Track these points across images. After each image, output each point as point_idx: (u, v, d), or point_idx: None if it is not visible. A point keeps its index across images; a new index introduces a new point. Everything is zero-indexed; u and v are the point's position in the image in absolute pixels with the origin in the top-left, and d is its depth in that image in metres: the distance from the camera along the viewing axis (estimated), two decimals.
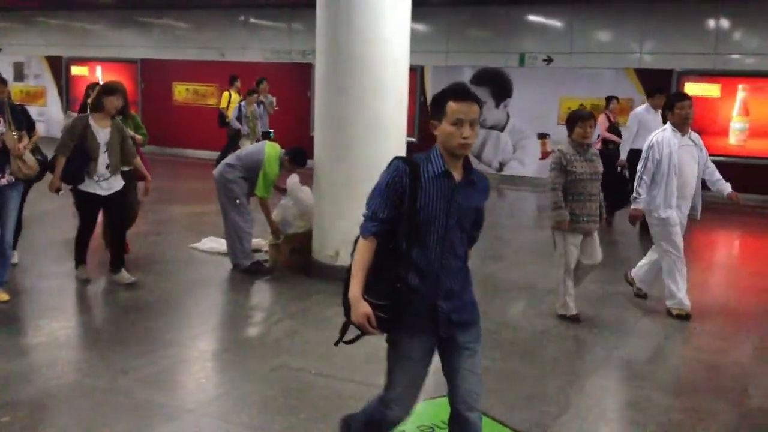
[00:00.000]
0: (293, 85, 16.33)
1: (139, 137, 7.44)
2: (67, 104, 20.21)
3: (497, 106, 15.38)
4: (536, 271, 7.63)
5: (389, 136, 7.03)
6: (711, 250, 9.70)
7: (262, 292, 7.15)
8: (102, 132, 6.46)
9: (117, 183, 6.63)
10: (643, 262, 6.80)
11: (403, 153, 7.23)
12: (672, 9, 13.98)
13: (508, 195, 14.12)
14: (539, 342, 5.69)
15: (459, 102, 2.93)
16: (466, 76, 15.19)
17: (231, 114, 13.30)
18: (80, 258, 6.82)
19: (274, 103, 14.13)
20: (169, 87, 18.53)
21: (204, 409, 4.33)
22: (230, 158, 7.54)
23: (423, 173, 2.97)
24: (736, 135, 13.64)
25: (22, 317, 6.00)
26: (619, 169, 10.12)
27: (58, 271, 7.13)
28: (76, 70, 20.20)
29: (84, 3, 19.01)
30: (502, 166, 15.31)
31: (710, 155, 6.61)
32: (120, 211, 6.81)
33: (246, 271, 7.33)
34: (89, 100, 7.24)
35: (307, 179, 7.59)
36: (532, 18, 15.27)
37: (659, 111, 6.80)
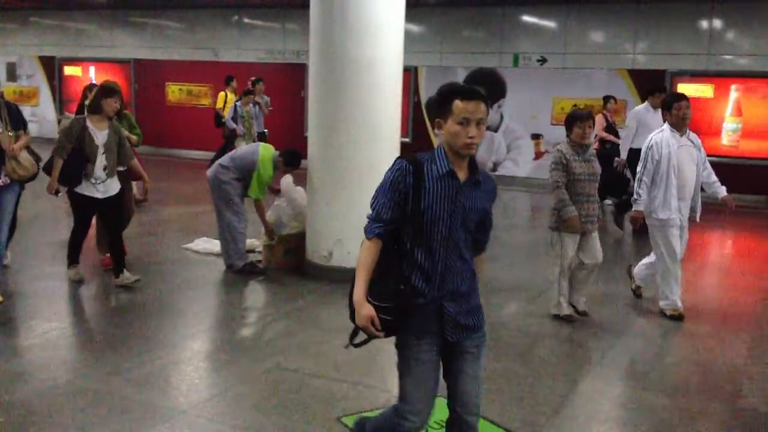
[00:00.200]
0: (287, 86, 16.33)
1: (133, 137, 7.42)
2: (60, 104, 20.17)
3: (491, 106, 15.39)
4: (530, 271, 7.64)
5: (383, 136, 7.04)
6: (704, 251, 9.72)
7: (255, 293, 7.15)
8: (100, 134, 6.42)
9: (114, 186, 6.58)
10: (646, 260, 6.76)
11: (396, 154, 7.27)
12: (665, 10, 14.03)
13: (502, 195, 14.10)
14: (533, 342, 5.70)
15: (466, 101, 2.87)
16: (460, 77, 15.21)
17: (227, 114, 13.28)
18: (73, 258, 6.80)
19: (269, 104, 14.13)
20: (162, 87, 18.50)
21: (197, 409, 4.32)
22: (223, 159, 7.52)
23: (427, 173, 2.92)
24: (729, 135, 13.69)
25: (14, 318, 5.98)
26: (620, 169, 10.08)
27: (51, 272, 7.11)
28: (69, 70, 20.15)
29: (77, 3, 18.97)
30: (496, 166, 15.32)
31: None
32: (117, 214, 6.76)
33: (239, 272, 7.32)
34: (86, 102, 7.18)
35: (302, 180, 7.59)
36: (526, 18, 15.30)
37: (659, 110, 6.78)
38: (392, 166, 2.98)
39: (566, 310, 6.12)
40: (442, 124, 2.93)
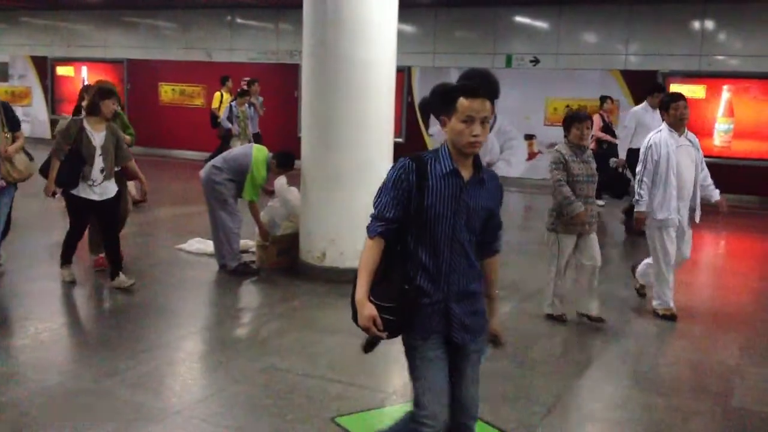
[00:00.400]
0: (280, 86, 16.31)
1: (127, 137, 7.38)
2: (52, 105, 20.10)
3: None
4: (524, 271, 7.64)
5: (376, 137, 7.04)
6: (697, 250, 9.72)
7: (249, 293, 7.14)
8: (97, 136, 6.37)
9: (111, 188, 6.53)
10: (648, 260, 6.66)
11: (390, 155, 7.29)
12: (657, 11, 14.08)
13: None
14: (527, 342, 5.70)
15: (470, 99, 2.82)
16: (453, 77, 15.18)
17: (222, 114, 13.26)
18: (66, 258, 6.76)
19: (262, 105, 14.12)
20: (155, 87, 18.45)
21: (191, 410, 4.32)
22: (216, 160, 7.50)
23: (430, 171, 2.88)
24: (721, 136, 13.74)
25: (6, 319, 5.96)
26: (620, 169, 10.05)
27: (45, 272, 7.08)
28: (61, 70, 20.07)
29: (70, 3, 18.91)
30: (489, 166, 15.32)
31: None
32: (114, 216, 6.71)
33: (233, 272, 7.31)
34: (83, 103, 7.12)
35: (295, 180, 7.58)
36: (519, 19, 15.33)
37: (658, 110, 6.73)
38: (395, 164, 2.94)
39: (560, 310, 6.13)
40: (447, 122, 2.89)
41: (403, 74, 15.20)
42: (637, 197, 6.22)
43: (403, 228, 2.93)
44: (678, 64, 13.99)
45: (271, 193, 7.85)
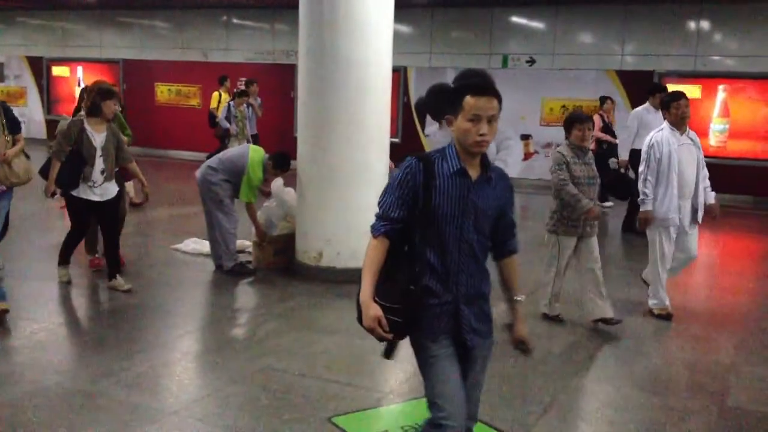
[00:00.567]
0: (276, 86, 16.30)
1: (124, 138, 7.37)
2: (48, 105, 20.07)
3: None
4: (521, 271, 7.64)
5: (372, 137, 7.05)
6: None
7: (245, 294, 7.13)
8: (98, 136, 6.35)
9: (112, 190, 6.51)
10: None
11: (386, 155, 7.29)
12: (653, 11, 14.10)
13: None
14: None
15: (477, 97, 2.76)
16: (448, 77, 15.20)
17: (220, 114, 13.25)
18: (64, 259, 6.74)
19: (261, 106, 14.10)
20: (151, 88, 18.43)
21: (187, 411, 4.32)
22: (212, 161, 7.48)
23: (437, 170, 2.81)
24: (716, 136, 13.77)
25: (3, 319, 5.93)
26: (622, 170, 10.00)
27: (41, 273, 7.07)
28: (56, 70, 20.04)
29: (65, 3, 18.88)
30: None
31: None
32: (114, 217, 6.70)
33: (229, 272, 7.31)
34: (83, 104, 7.06)
35: (291, 181, 7.58)
36: (515, 20, 15.34)
37: (660, 110, 6.67)
38: (402, 163, 2.89)
39: (557, 310, 6.14)
40: (453, 121, 2.84)
41: (399, 74, 15.21)
42: (642, 196, 6.15)
43: (409, 228, 2.87)
44: (674, 65, 14.02)
45: (268, 195, 7.85)
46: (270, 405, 4.40)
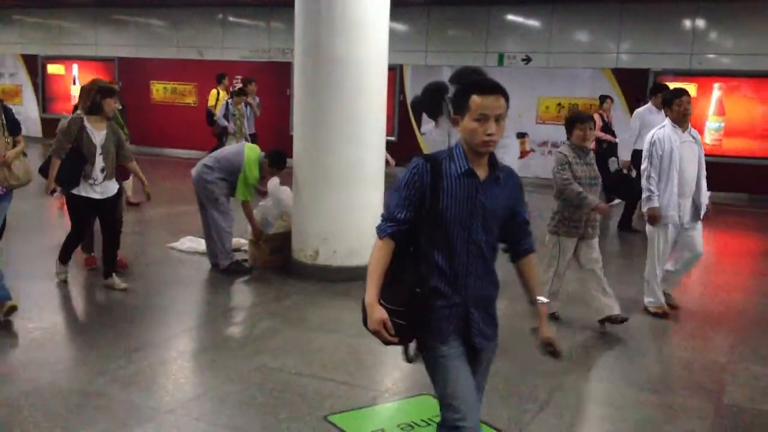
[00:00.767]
0: (272, 84, 16.29)
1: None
2: (43, 103, 20.03)
3: None
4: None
5: (368, 135, 7.05)
6: None
7: (241, 292, 7.13)
8: (98, 134, 6.33)
9: (112, 188, 6.50)
10: (668, 266, 6.52)
11: (382, 153, 7.29)
12: (649, 10, 14.13)
13: None
14: (518, 340, 5.70)
15: (484, 96, 2.71)
16: (444, 76, 15.21)
17: (218, 112, 13.22)
18: (65, 257, 6.70)
19: (259, 105, 14.07)
20: (146, 86, 18.41)
21: (183, 409, 4.31)
22: (207, 159, 7.47)
23: (445, 171, 2.76)
24: (711, 134, 13.79)
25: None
26: (624, 171, 9.94)
27: (37, 272, 7.05)
28: (52, 68, 20.00)
29: (61, 1, 18.83)
30: None
31: None
32: (113, 215, 6.69)
33: (225, 271, 7.30)
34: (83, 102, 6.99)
35: (288, 179, 7.57)
36: (511, 18, 15.35)
37: (662, 110, 6.62)
38: (408, 164, 2.83)
39: (553, 308, 6.13)
40: (459, 121, 2.79)
41: (395, 72, 15.21)
42: (647, 193, 6.12)
43: (415, 229, 2.82)
44: (669, 63, 14.04)
45: (264, 195, 7.84)
46: (266, 403, 4.39)
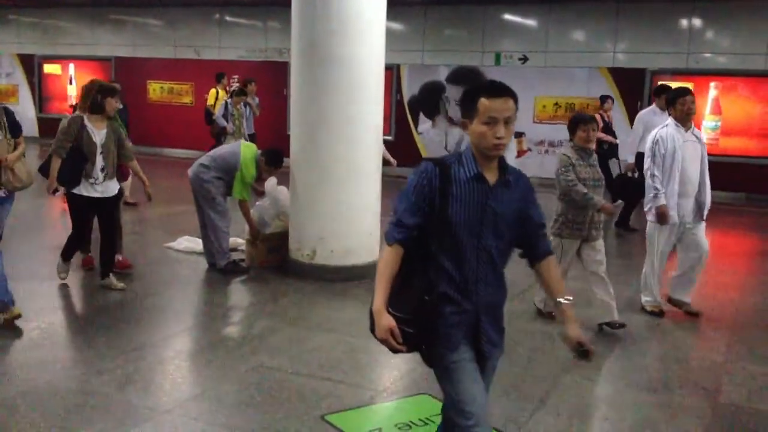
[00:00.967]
0: (269, 84, 16.27)
1: None
2: (39, 103, 19.99)
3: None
4: (513, 269, 7.65)
5: (365, 135, 7.05)
6: None
7: (238, 292, 7.12)
8: (98, 133, 6.32)
9: (112, 187, 6.49)
10: (674, 274, 6.51)
11: (379, 152, 7.29)
12: (645, 9, 14.14)
13: None
14: (516, 338, 5.71)
15: (492, 98, 2.68)
16: (441, 75, 15.23)
17: (217, 111, 13.20)
18: (67, 255, 6.70)
19: (259, 105, 14.06)
20: (143, 85, 18.38)
21: (180, 409, 4.31)
22: (204, 158, 7.46)
23: (454, 176, 2.72)
24: (708, 133, 13.81)
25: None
26: (629, 173, 9.86)
27: (34, 271, 7.04)
28: (48, 68, 19.97)
29: (57, 0, 18.79)
30: None
31: None
32: (113, 215, 6.69)
33: (222, 271, 7.30)
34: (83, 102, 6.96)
35: (285, 179, 7.57)
36: (508, 17, 15.35)
37: (666, 112, 6.58)
38: (417, 168, 2.79)
39: (550, 307, 6.14)
40: (468, 125, 2.75)
41: (392, 72, 15.20)
42: (653, 192, 6.08)
43: (424, 235, 2.77)
44: (666, 62, 14.06)
45: (261, 194, 7.84)
46: (263, 403, 4.40)
